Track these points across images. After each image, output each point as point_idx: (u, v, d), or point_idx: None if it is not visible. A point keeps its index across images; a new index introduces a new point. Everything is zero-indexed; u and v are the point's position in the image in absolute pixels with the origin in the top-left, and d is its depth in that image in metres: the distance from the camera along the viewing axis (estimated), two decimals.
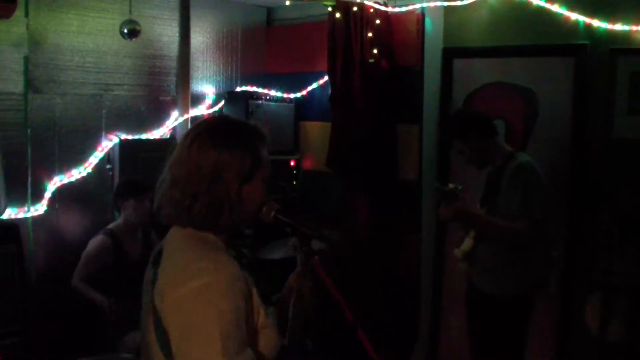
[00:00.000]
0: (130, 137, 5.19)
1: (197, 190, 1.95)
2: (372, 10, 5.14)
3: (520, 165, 3.83)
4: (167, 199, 2.01)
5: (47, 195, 4.78)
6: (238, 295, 1.85)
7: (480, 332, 4.17)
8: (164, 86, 5.58)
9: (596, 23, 4.39)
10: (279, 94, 5.96)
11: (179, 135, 5.51)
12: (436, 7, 5.07)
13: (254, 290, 1.94)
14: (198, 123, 2.11)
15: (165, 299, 1.89)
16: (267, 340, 1.98)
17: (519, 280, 3.91)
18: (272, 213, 2.09)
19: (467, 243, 4.04)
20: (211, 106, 5.90)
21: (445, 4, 5.00)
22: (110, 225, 4.67)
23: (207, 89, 5.92)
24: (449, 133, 4.20)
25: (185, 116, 5.61)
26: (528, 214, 3.73)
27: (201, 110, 5.81)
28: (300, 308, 2.17)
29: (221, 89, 6.02)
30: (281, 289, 2.42)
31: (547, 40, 4.66)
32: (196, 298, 1.83)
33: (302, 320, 2.18)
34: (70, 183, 4.90)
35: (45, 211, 4.76)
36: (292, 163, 5.91)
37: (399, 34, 5.28)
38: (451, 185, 3.98)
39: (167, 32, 5.54)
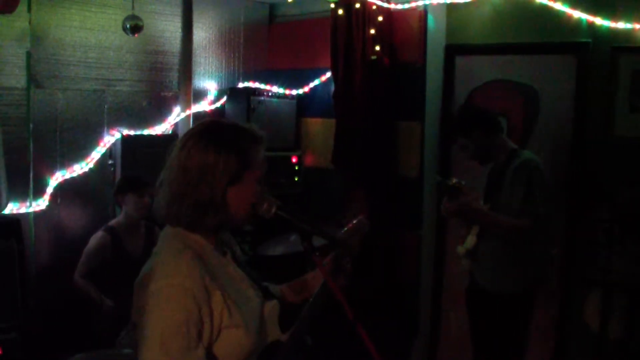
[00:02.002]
0: (132, 132, 5.20)
1: (183, 192, 2.01)
2: (374, 7, 5.13)
3: (524, 162, 3.83)
4: (161, 199, 2.08)
5: (49, 190, 4.79)
6: (190, 301, 1.90)
7: (483, 330, 4.17)
8: (166, 82, 5.58)
9: (598, 21, 4.40)
10: (280, 91, 5.95)
11: (181, 131, 5.52)
12: (439, 4, 5.06)
13: (217, 294, 1.97)
14: (191, 128, 2.16)
15: (136, 295, 1.99)
16: (231, 338, 2.01)
17: (521, 277, 3.92)
18: (273, 209, 2.11)
19: (470, 240, 4.04)
20: (213, 102, 5.91)
21: (448, 1, 5.00)
22: (111, 222, 4.68)
23: (209, 84, 5.92)
24: (454, 129, 4.18)
25: (187, 112, 5.61)
26: (530, 210, 3.73)
27: (203, 106, 5.82)
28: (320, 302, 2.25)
29: (223, 85, 6.02)
30: (279, 284, 2.45)
31: (549, 38, 4.67)
32: (151, 298, 1.92)
33: (314, 315, 2.24)
34: (72, 178, 4.92)
35: (47, 206, 4.78)
36: (293, 159, 5.90)
37: (401, 31, 5.27)
38: (455, 180, 3.98)
39: (169, 28, 5.54)
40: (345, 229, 2.55)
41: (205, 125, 2.15)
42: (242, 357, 2.04)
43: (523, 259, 3.89)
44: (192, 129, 2.14)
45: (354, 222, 2.58)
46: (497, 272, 3.97)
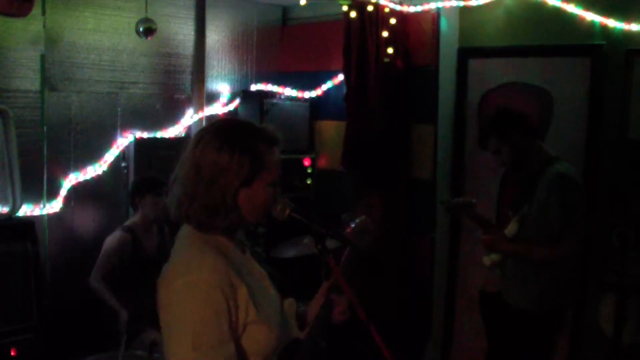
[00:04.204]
0: (145, 135, 5.22)
1: (195, 191, 1.99)
2: (387, 9, 5.13)
3: (560, 177, 3.64)
4: (173, 197, 2.06)
5: (63, 192, 4.82)
6: (218, 295, 1.89)
7: (499, 339, 4.07)
8: (179, 84, 5.60)
9: (612, 23, 4.37)
10: (294, 93, 5.96)
11: (194, 134, 5.53)
12: (452, 7, 5.05)
13: (243, 288, 1.96)
14: (207, 125, 2.13)
15: (160, 294, 1.96)
16: (256, 334, 2.00)
17: (553, 293, 3.77)
18: (287, 211, 2.10)
19: (497, 254, 3.92)
20: (226, 104, 5.92)
21: (461, 3, 4.98)
22: (127, 222, 4.68)
23: (222, 87, 5.93)
24: (491, 130, 3.87)
25: (200, 114, 5.63)
26: (571, 230, 3.59)
27: (216, 108, 5.83)
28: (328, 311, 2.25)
29: (236, 87, 6.03)
30: (293, 286, 2.45)
31: (562, 40, 4.64)
32: (178, 295, 1.90)
33: (326, 321, 2.24)
34: (86, 180, 4.94)
35: (61, 208, 4.80)
36: (306, 162, 5.91)
37: (414, 33, 5.27)
38: (461, 199, 3.98)
39: (182, 31, 5.56)
40: (350, 228, 2.54)
41: (220, 123, 2.14)
42: (266, 352, 2.03)
43: (552, 276, 3.74)
44: (208, 126, 2.12)
45: (356, 222, 2.57)
46: (527, 288, 3.78)
